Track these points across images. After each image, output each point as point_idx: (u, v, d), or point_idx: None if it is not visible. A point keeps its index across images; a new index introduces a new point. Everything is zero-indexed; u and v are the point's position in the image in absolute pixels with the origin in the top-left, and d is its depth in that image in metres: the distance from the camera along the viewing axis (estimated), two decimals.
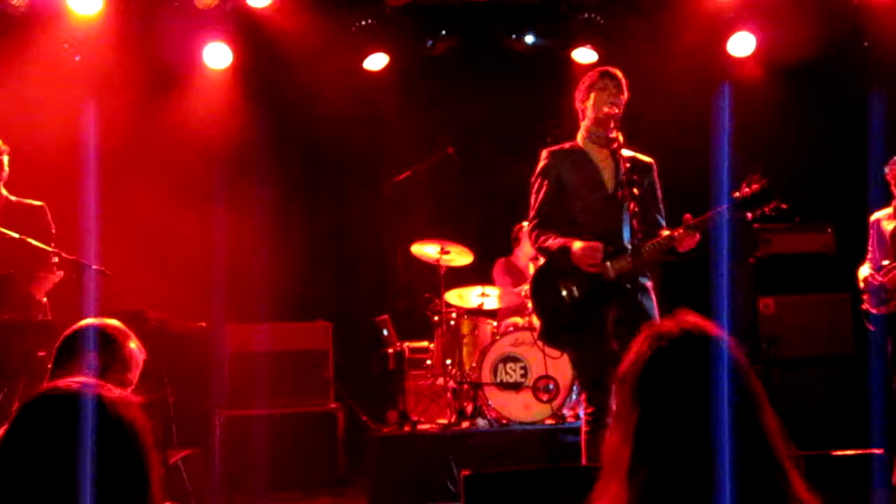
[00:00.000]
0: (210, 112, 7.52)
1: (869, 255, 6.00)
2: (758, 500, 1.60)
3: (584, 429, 4.46)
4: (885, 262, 5.82)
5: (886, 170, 5.91)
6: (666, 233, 4.51)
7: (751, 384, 1.69)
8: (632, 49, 7.44)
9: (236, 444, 6.36)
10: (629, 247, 4.39)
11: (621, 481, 1.65)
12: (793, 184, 7.53)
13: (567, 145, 4.75)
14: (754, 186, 4.39)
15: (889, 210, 5.96)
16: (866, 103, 6.33)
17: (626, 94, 4.62)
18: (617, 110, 4.52)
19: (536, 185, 4.71)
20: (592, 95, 4.61)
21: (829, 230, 6.81)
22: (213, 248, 6.80)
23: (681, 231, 4.40)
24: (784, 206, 4.38)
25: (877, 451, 3.03)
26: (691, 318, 1.75)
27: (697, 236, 4.40)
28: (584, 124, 4.71)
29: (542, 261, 4.79)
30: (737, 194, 4.41)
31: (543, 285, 4.65)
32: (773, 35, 7.59)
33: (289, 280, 7.43)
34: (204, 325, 6.07)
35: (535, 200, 4.70)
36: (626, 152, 4.51)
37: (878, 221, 6.00)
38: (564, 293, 4.54)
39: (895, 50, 7.41)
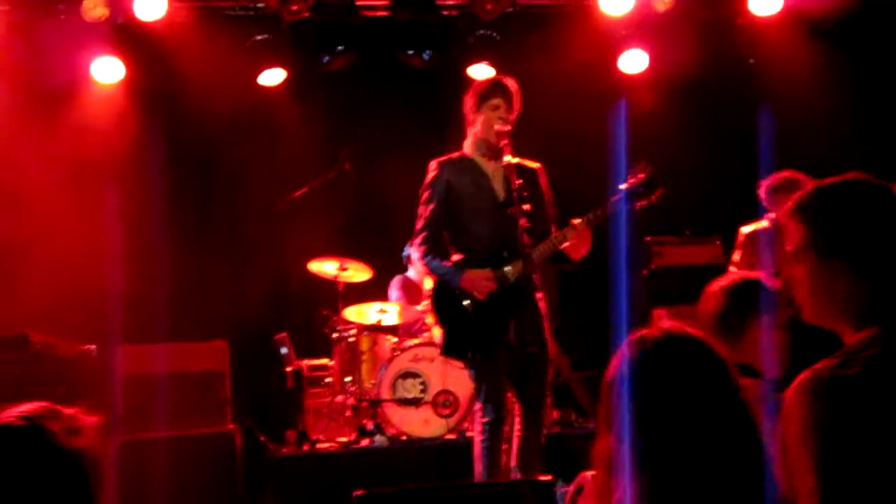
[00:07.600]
0: (101, 127, 7.30)
1: None
2: (755, 493, 1.63)
3: (479, 439, 4.47)
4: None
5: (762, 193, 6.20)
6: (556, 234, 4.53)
7: (738, 382, 1.72)
8: (527, 65, 7.53)
9: (132, 469, 6.17)
10: (522, 254, 4.44)
11: (622, 485, 1.65)
12: (683, 198, 7.80)
13: (456, 155, 4.77)
14: (640, 176, 4.49)
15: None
16: (754, 119, 6.53)
17: (517, 108, 4.65)
18: (508, 127, 4.56)
19: (425, 197, 4.71)
20: (484, 111, 4.63)
21: (718, 242, 7.00)
22: (102, 266, 6.59)
23: (572, 226, 4.42)
24: (669, 195, 4.51)
25: None
26: (671, 323, 1.78)
27: (589, 240, 4.45)
28: (472, 132, 4.73)
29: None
30: (624, 185, 4.50)
31: (444, 298, 4.66)
32: (663, 53, 7.78)
33: (183, 299, 7.25)
34: (94, 347, 5.89)
35: (423, 212, 4.70)
36: (511, 159, 4.54)
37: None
38: (466, 302, 4.57)
39: (779, 67, 7.70)
